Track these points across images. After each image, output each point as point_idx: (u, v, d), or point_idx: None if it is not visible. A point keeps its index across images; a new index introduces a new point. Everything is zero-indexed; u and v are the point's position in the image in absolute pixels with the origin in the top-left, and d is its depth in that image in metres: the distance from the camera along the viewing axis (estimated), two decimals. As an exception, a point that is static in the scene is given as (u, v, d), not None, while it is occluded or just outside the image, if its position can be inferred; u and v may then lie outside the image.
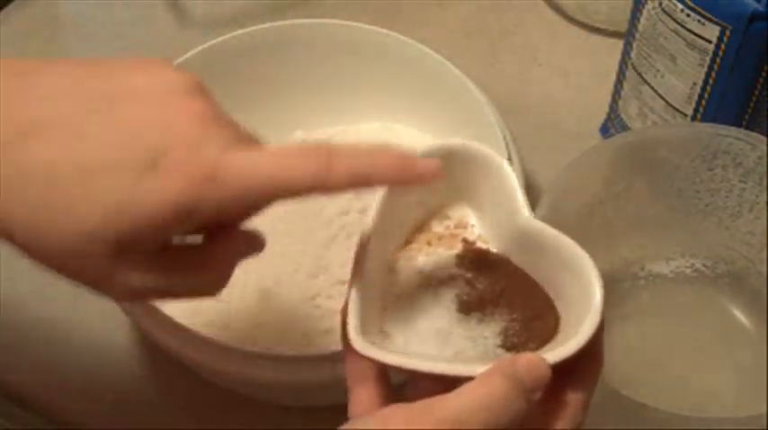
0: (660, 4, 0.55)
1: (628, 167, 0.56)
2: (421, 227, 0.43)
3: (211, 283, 0.39)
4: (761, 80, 0.55)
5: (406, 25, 0.68)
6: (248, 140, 0.38)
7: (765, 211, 0.55)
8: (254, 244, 0.40)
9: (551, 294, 0.40)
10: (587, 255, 0.38)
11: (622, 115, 0.64)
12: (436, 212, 0.43)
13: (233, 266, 0.40)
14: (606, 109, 0.67)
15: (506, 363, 0.36)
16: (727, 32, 0.53)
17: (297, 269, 0.59)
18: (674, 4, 0.54)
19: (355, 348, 0.37)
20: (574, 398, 0.37)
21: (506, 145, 0.56)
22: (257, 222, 0.61)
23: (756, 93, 0.56)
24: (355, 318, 0.38)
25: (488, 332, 0.39)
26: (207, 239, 0.39)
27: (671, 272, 0.60)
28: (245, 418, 0.57)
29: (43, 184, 0.35)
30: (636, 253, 0.60)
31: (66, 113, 0.35)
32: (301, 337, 0.56)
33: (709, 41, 0.54)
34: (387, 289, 0.41)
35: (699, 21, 0.54)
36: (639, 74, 0.60)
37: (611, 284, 0.59)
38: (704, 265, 0.59)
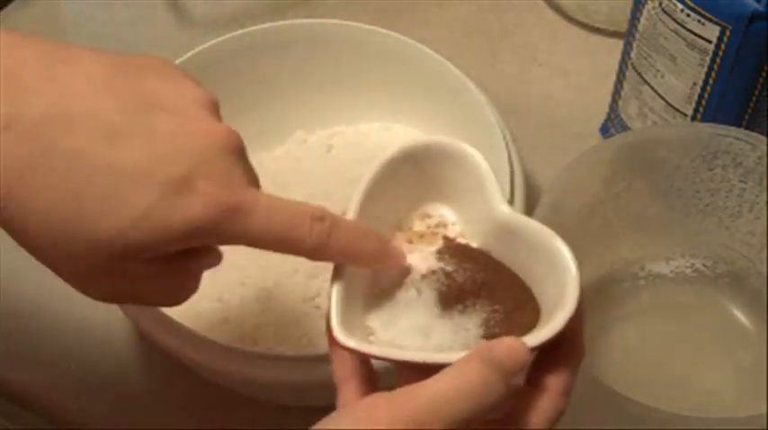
0: (660, 4, 0.55)
1: (628, 167, 0.56)
2: (401, 225, 0.43)
3: (181, 295, 0.40)
4: (761, 80, 0.55)
5: (406, 25, 0.68)
6: (257, 178, 0.39)
7: (765, 211, 0.55)
8: (216, 258, 0.41)
9: (531, 284, 0.40)
10: (564, 244, 0.38)
11: (622, 115, 0.64)
12: (416, 211, 0.44)
13: (199, 279, 0.40)
14: (606, 109, 0.67)
15: (484, 348, 0.36)
16: (727, 32, 0.53)
17: (297, 269, 0.59)
18: (674, 4, 0.54)
19: (338, 340, 0.38)
20: (553, 383, 0.37)
21: (506, 145, 0.56)
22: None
23: (756, 93, 0.56)
24: (337, 313, 0.38)
25: (470, 323, 0.40)
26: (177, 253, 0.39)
27: (671, 272, 0.60)
28: (245, 418, 0.57)
29: (70, 174, 0.34)
30: (636, 253, 0.59)
31: (99, 108, 0.35)
32: (301, 337, 0.56)
33: (710, 41, 0.54)
34: (369, 287, 0.41)
35: (699, 21, 0.54)
36: (639, 74, 0.60)
37: (611, 284, 0.59)
38: (704, 265, 0.59)
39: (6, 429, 0.64)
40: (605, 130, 0.68)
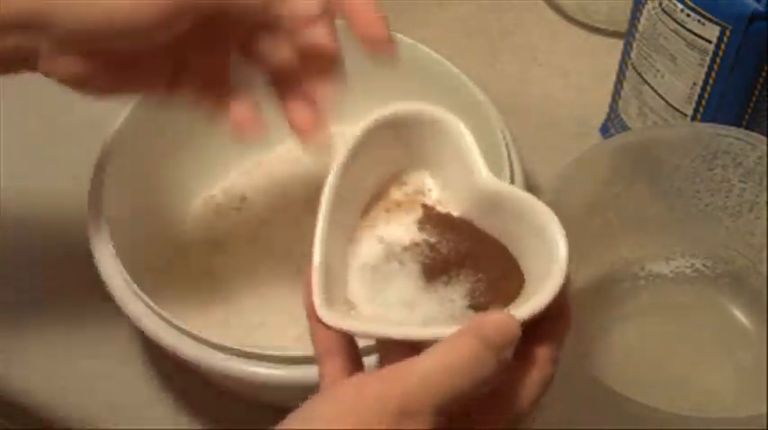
0: (660, 4, 0.55)
1: (628, 167, 0.56)
2: (379, 194, 0.43)
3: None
4: (761, 80, 0.55)
5: (406, 25, 0.68)
6: None
7: (765, 211, 0.55)
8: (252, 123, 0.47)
9: (515, 253, 0.40)
10: (550, 211, 0.38)
11: (622, 115, 0.64)
12: (393, 179, 0.43)
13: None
14: (606, 109, 0.67)
15: (475, 323, 0.35)
16: (727, 32, 0.53)
17: (298, 269, 0.59)
18: (674, 4, 0.54)
19: (322, 320, 0.37)
20: (542, 354, 0.37)
21: (506, 145, 0.56)
22: (261, 226, 0.60)
23: (756, 93, 0.56)
24: (320, 290, 0.38)
25: (455, 294, 0.39)
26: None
27: (671, 272, 0.60)
28: (245, 418, 0.57)
29: None
30: (636, 253, 0.59)
31: None
32: (301, 337, 0.56)
33: (710, 41, 0.54)
34: (349, 259, 0.41)
35: (699, 21, 0.54)
36: (639, 74, 0.60)
37: (611, 284, 0.59)
38: (704, 265, 0.59)
39: (6, 429, 0.64)
40: (605, 130, 0.68)
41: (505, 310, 0.36)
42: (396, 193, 0.43)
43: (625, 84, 0.63)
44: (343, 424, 0.34)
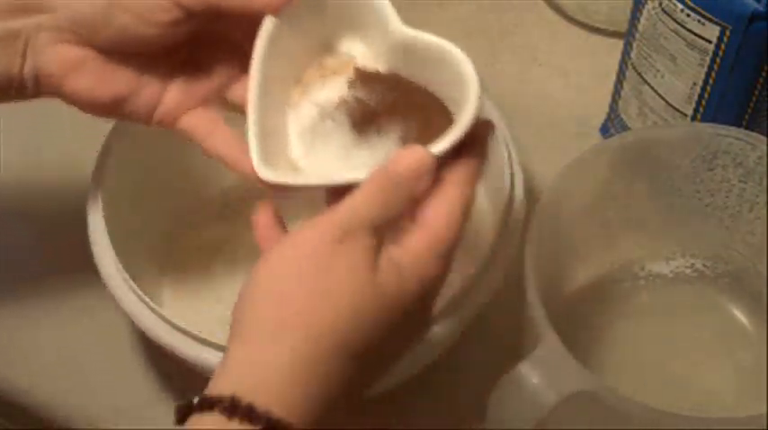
0: (660, 4, 0.55)
1: (628, 167, 0.56)
2: (312, 63, 0.45)
3: None
4: (761, 80, 0.55)
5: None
6: None
7: (765, 211, 0.55)
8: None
9: (442, 97, 0.42)
10: (459, 50, 0.41)
11: (622, 115, 0.64)
12: (324, 47, 0.45)
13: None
14: (606, 109, 0.67)
15: (390, 160, 0.39)
16: (727, 32, 0.53)
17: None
18: (674, 4, 0.54)
19: (260, 176, 0.40)
20: (456, 175, 0.40)
21: (506, 145, 0.56)
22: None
23: (756, 93, 0.56)
24: (257, 151, 0.41)
25: (389, 141, 0.42)
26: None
27: (671, 272, 0.60)
28: (245, 418, 0.57)
29: None
30: (636, 253, 0.59)
31: None
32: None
33: (710, 41, 0.54)
34: (289, 127, 0.43)
35: (699, 21, 0.54)
36: (639, 74, 0.60)
37: (611, 284, 0.59)
38: (704, 265, 0.59)
39: (6, 429, 0.64)
40: (605, 130, 0.68)
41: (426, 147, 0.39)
42: (329, 61, 0.45)
43: (625, 84, 0.63)
44: (287, 277, 0.39)
